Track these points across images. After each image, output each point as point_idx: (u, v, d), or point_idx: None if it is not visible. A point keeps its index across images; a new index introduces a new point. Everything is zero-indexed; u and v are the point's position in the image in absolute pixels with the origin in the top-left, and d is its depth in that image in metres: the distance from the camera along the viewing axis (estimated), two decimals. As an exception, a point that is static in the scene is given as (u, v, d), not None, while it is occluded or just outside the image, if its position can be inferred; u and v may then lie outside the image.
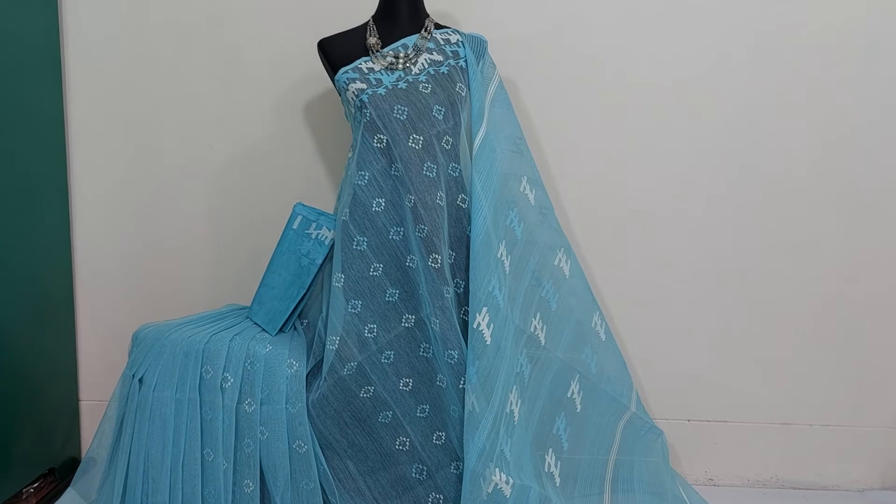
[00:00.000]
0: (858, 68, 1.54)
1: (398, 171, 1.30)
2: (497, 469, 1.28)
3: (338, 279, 1.33)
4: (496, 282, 1.33)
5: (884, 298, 1.61)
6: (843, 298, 1.62)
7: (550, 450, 1.40)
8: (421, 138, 1.31)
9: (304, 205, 1.42)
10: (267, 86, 1.58)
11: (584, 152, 1.59)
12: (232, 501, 1.32)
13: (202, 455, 1.32)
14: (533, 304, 1.42)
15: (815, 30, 1.53)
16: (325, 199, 1.58)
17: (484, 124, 1.36)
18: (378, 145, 1.31)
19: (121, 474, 1.35)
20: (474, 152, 1.34)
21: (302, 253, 1.40)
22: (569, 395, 1.44)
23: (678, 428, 1.64)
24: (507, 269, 1.37)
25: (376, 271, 1.34)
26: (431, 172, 1.31)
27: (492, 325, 1.31)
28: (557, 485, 1.39)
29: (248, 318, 1.46)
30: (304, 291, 1.41)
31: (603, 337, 1.51)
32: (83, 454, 1.47)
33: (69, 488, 1.44)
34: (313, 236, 1.40)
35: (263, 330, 1.42)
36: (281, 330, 1.42)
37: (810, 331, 1.63)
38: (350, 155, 1.38)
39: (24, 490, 1.46)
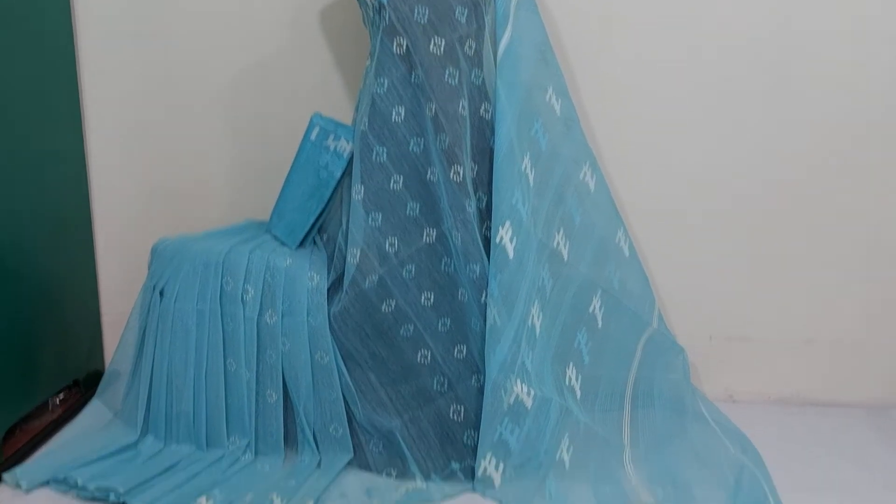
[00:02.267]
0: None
1: (418, 79, 1.26)
2: (518, 381, 1.28)
3: (357, 191, 1.30)
4: (520, 195, 1.30)
5: (915, 216, 1.56)
6: (871, 215, 1.57)
7: (571, 364, 1.40)
8: (443, 42, 1.25)
9: (321, 115, 1.38)
10: (281, -8, 1.52)
11: (612, 61, 1.53)
12: (255, 411, 1.34)
13: (225, 365, 1.33)
14: (556, 219, 1.39)
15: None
16: (342, 112, 1.53)
17: (509, 29, 1.30)
18: (398, 51, 1.25)
19: (145, 385, 1.36)
20: (499, 59, 1.29)
21: (320, 165, 1.37)
22: (590, 310, 1.42)
23: (700, 345, 1.62)
24: (532, 182, 1.33)
25: (396, 184, 1.31)
26: (453, 80, 1.26)
27: (515, 239, 1.29)
28: (578, 398, 1.39)
29: (267, 231, 1.45)
30: (324, 205, 1.38)
31: (627, 253, 1.49)
32: (107, 367, 1.49)
33: (94, 399, 1.46)
34: (331, 148, 1.36)
35: (283, 243, 1.41)
36: (301, 244, 1.41)
37: (836, 248, 1.59)
38: (368, 63, 1.33)
39: (49, 401, 1.48)
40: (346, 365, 1.33)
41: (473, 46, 1.28)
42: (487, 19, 1.30)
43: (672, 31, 1.51)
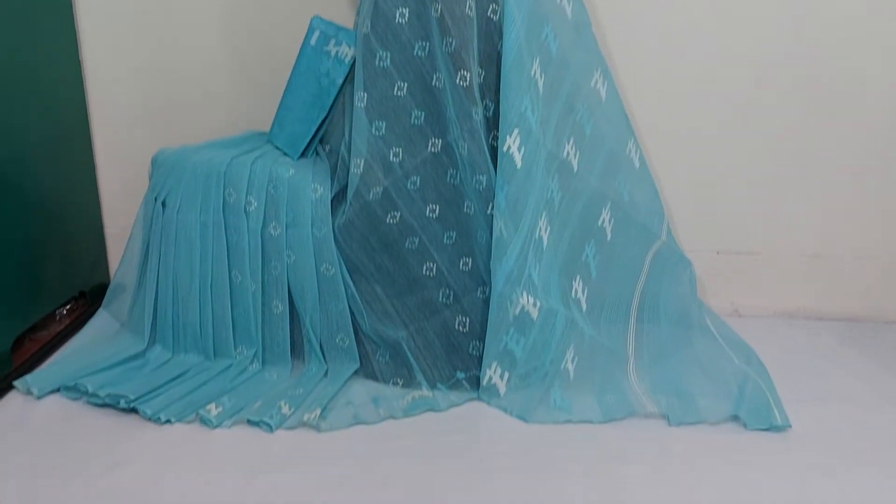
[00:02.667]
0: None
1: (424, -23, 1.20)
2: (524, 292, 1.27)
3: (360, 98, 1.26)
4: (529, 102, 1.26)
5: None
6: (882, 129, 1.53)
7: (578, 276, 1.39)
8: (449, -62, 1.19)
9: (321, 18, 1.33)
10: None
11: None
12: (262, 322, 1.34)
13: (230, 277, 1.33)
14: (567, 129, 1.35)
15: None
16: (343, 16, 1.47)
17: (518, -76, 1.23)
18: (401, -53, 1.19)
19: (150, 296, 1.36)
20: (507, -45, 1.23)
21: (321, 72, 1.33)
22: (599, 222, 1.40)
23: (707, 259, 1.61)
24: (541, 89, 1.29)
25: (401, 91, 1.27)
26: (460, -22, 1.20)
27: (523, 148, 1.26)
28: (584, 311, 1.39)
29: (268, 142, 1.42)
30: (325, 113, 1.35)
31: (637, 164, 1.45)
32: (112, 279, 1.49)
33: (101, 309, 1.47)
34: (332, 53, 1.31)
35: (285, 154, 1.38)
36: (303, 154, 1.38)
37: (846, 161, 1.55)
38: (370, -37, 1.27)
39: (57, 311, 1.49)
40: (351, 277, 1.33)
41: (481, -57, 1.22)
42: (495, -89, 1.23)
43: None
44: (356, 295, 1.32)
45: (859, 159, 1.56)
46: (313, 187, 1.32)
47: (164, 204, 1.34)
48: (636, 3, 1.48)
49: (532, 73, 1.27)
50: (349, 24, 1.40)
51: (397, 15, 1.22)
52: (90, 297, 1.56)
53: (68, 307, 1.52)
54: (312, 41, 1.32)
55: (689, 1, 1.47)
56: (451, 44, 1.21)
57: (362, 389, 1.31)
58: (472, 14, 1.22)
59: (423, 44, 1.24)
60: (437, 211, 1.32)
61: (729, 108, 1.54)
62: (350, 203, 1.30)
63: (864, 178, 1.57)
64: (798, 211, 1.59)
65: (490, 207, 1.27)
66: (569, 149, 1.35)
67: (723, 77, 1.52)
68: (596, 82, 1.39)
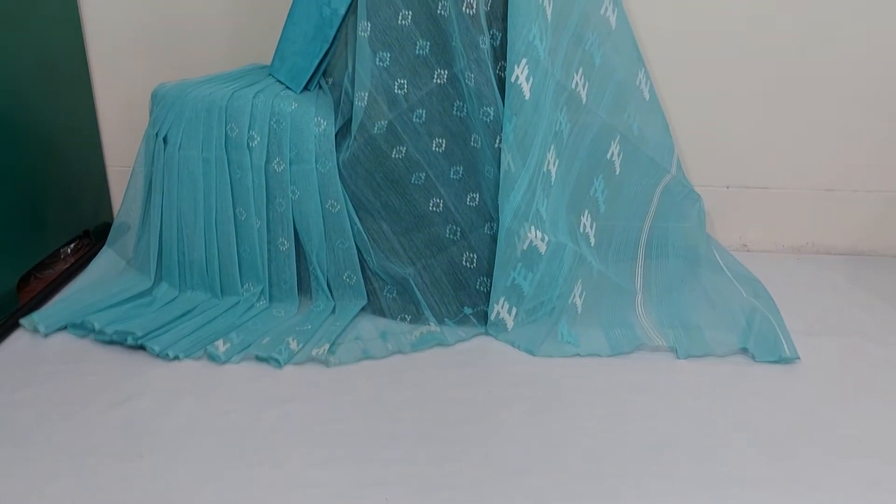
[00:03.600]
0: None
1: None
2: (532, 227, 1.26)
3: (363, 28, 1.23)
4: (537, 30, 1.22)
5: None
6: (892, 61, 1.49)
7: (587, 211, 1.37)
8: None
9: (323, -55, 1.28)
10: None
11: None
12: (268, 259, 1.33)
13: (234, 214, 1.31)
14: (575, 59, 1.31)
15: None
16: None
17: None
18: None
19: (155, 233, 1.35)
20: None
21: (323, 2, 1.28)
22: (608, 156, 1.38)
23: (716, 194, 1.59)
24: (549, 16, 1.25)
25: (405, 19, 1.23)
26: None
27: (531, 79, 1.23)
28: (592, 245, 1.38)
29: (270, 75, 1.38)
30: (328, 45, 1.30)
31: (647, 96, 1.42)
32: (115, 218, 1.48)
33: (105, 247, 1.46)
34: (335, -18, 1.27)
35: (287, 87, 1.34)
36: (305, 88, 1.35)
37: (859, 93, 1.52)
38: None
39: (61, 250, 1.48)
40: (357, 214, 1.31)
41: None
42: None
43: None
44: (362, 232, 1.31)
45: (871, 92, 1.52)
46: (316, 121, 1.29)
47: (165, 140, 1.32)
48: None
49: (540, 0, 1.23)
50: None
51: (401, -62, 1.18)
52: (94, 236, 1.55)
53: (73, 245, 1.51)
54: (313, -32, 1.28)
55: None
56: (456, -31, 1.17)
57: (370, 325, 1.31)
58: (479, -63, 1.18)
59: (428, -31, 1.20)
60: (444, 145, 1.30)
61: (740, 41, 1.50)
62: (354, 138, 1.28)
63: (876, 111, 1.53)
64: (809, 145, 1.56)
65: (497, 141, 1.25)
66: (577, 79, 1.32)
67: (735, 9, 1.48)
68: (606, 10, 1.35)
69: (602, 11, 1.34)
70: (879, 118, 1.54)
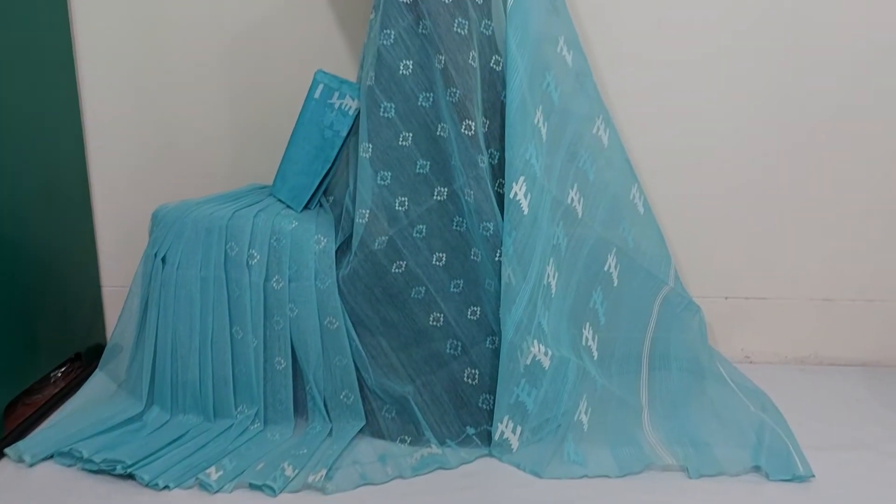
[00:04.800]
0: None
1: (426, 29, 1.21)
2: (535, 341, 1.24)
3: (365, 149, 1.26)
4: (533, 149, 1.26)
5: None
6: (891, 173, 1.54)
7: (588, 324, 1.36)
8: (451, -10, 1.20)
9: (325, 72, 1.33)
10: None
11: (622, 13, 1.48)
12: (264, 379, 1.30)
13: (231, 333, 1.29)
14: (570, 175, 1.35)
15: None
16: (346, 70, 1.48)
17: (518, -23, 1.25)
18: (404, 0, 1.20)
19: (149, 354, 1.32)
20: (508, 8, 1.24)
21: (325, 124, 1.33)
22: (606, 268, 1.38)
23: (715, 305, 1.59)
24: (544, 136, 1.29)
25: (405, 141, 1.26)
26: (463, 29, 1.21)
27: (529, 195, 1.25)
28: (595, 359, 1.36)
29: (271, 195, 1.40)
30: (329, 165, 1.34)
31: (641, 210, 1.45)
32: (108, 339, 1.45)
33: (97, 371, 1.42)
34: (336, 106, 1.31)
35: (288, 206, 1.36)
36: (306, 207, 1.36)
37: (854, 204, 1.55)
38: (372, 16, 1.28)
39: (51, 374, 1.44)
40: (356, 330, 1.29)
41: (482, -5, 1.23)
42: (496, -34, 1.25)
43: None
44: (361, 349, 1.29)
45: (864, 203, 1.56)
46: (317, 238, 1.30)
47: (164, 260, 1.31)
48: (636, 53, 1.50)
49: (535, 121, 1.27)
50: (351, 75, 1.41)
51: (401, 67, 1.23)
52: (86, 359, 1.52)
53: (63, 369, 1.47)
54: (316, 94, 1.32)
55: (688, 48, 1.50)
56: (455, 94, 1.21)
57: (369, 448, 1.26)
58: (476, 65, 1.23)
59: (428, 94, 1.24)
60: (444, 259, 1.30)
61: (733, 154, 1.55)
62: (355, 253, 1.28)
63: (870, 221, 1.56)
64: (806, 255, 1.58)
65: (497, 254, 1.26)
66: (573, 195, 1.34)
67: (726, 123, 1.53)
68: (598, 129, 1.40)
69: (594, 130, 1.39)
70: (873, 230, 1.57)
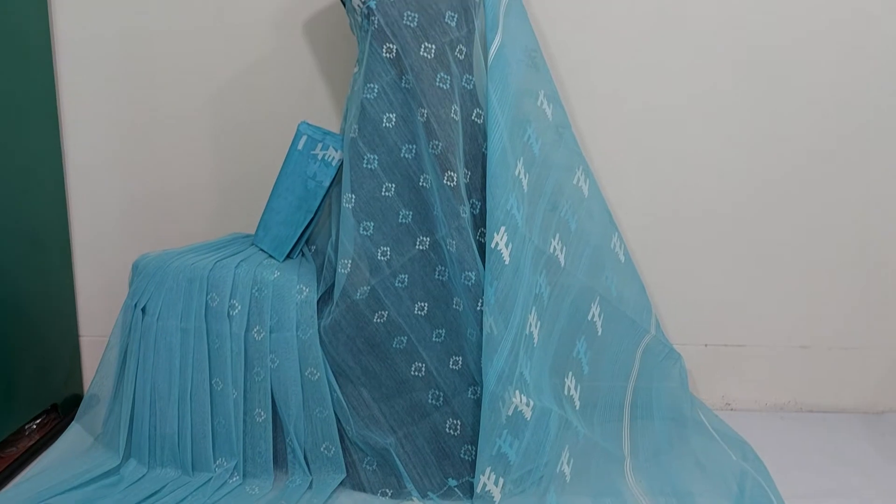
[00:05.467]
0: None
1: (409, 83, 1.23)
2: (517, 391, 1.24)
3: (348, 199, 1.27)
4: (514, 200, 1.27)
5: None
6: (864, 220, 1.57)
7: (570, 373, 1.36)
8: (433, 47, 1.23)
9: (308, 124, 1.35)
10: (264, 1, 1.49)
11: (600, 67, 1.52)
12: (243, 431, 1.28)
13: (211, 385, 1.28)
14: (552, 225, 1.36)
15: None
16: (328, 121, 1.50)
17: (499, 34, 1.29)
18: (387, 55, 1.23)
19: (127, 407, 1.30)
20: (489, 63, 1.27)
21: (308, 175, 1.34)
22: (589, 317, 1.39)
23: (695, 353, 1.60)
24: (525, 187, 1.31)
25: (388, 192, 1.27)
26: (445, 84, 1.24)
27: (510, 245, 1.26)
28: (577, 408, 1.36)
29: (253, 244, 1.40)
30: (312, 215, 1.34)
31: (622, 259, 1.47)
32: (86, 390, 1.42)
33: (73, 423, 1.39)
34: (319, 157, 1.33)
35: (270, 256, 1.36)
36: (288, 256, 1.37)
37: (830, 253, 1.58)
38: (356, 70, 1.30)
39: (26, 426, 1.41)
40: (337, 381, 1.29)
41: (464, 51, 1.26)
42: (477, 23, 1.28)
43: (661, 36, 1.50)
44: (342, 400, 1.28)
45: (839, 252, 1.59)
46: (298, 288, 1.30)
47: (144, 310, 1.30)
48: (614, 104, 1.53)
49: (516, 172, 1.29)
50: (334, 126, 1.43)
51: (384, 119, 1.25)
52: (62, 410, 1.49)
53: (39, 421, 1.44)
54: (300, 146, 1.34)
55: (666, 100, 1.53)
56: (437, 146, 1.23)
57: (349, 501, 1.25)
58: (458, 118, 1.26)
59: (410, 146, 1.26)
60: (426, 309, 1.30)
61: (711, 203, 1.57)
62: (336, 303, 1.28)
63: (846, 269, 1.59)
64: (784, 302, 1.61)
65: (479, 304, 1.26)
66: (555, 244, 1.36)
67: (704, 173, 1.56)
68: (578, 180, 1.42)
69: (574, 181, 1.41)
70: (849, 279, 1.60)
